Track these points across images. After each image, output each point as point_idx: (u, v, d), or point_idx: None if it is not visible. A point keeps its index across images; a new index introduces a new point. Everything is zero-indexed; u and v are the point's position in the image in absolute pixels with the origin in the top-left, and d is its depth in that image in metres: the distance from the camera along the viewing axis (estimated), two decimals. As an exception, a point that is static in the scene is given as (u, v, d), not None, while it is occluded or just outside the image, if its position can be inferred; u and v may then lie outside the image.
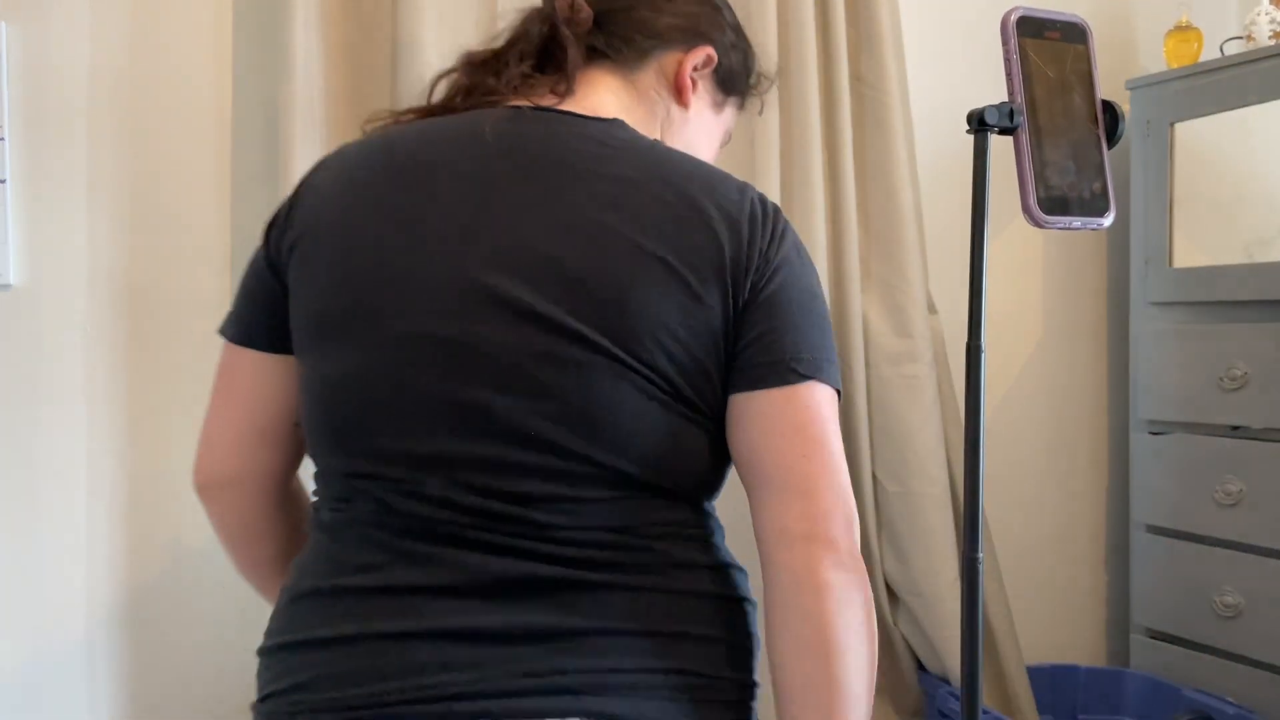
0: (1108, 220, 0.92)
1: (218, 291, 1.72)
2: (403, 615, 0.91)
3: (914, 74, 2.03)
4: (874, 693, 0.91)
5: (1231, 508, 1.96)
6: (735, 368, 0.93)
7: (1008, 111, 0.90)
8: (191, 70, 1.70)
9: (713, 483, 1.01)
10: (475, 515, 0.92)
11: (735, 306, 0.92)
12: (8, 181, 1.61)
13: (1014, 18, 0.91)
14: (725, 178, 0.98)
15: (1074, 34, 0.94)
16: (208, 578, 1.72)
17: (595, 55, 1.06)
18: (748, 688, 0.99)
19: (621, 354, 0.90)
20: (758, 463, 0.93)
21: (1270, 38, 2.06)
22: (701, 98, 1.12)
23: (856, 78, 1.96)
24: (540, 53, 1.06)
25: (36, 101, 1.63)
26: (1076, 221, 0.90)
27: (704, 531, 1.00)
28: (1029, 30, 0.92)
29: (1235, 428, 1.97)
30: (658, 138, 1.09)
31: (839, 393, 0.95)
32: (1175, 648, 2.08)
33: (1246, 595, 1.94)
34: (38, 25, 1.63)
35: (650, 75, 1.08)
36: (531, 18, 1.09)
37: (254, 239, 1.69)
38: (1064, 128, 0.91)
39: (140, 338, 1.68)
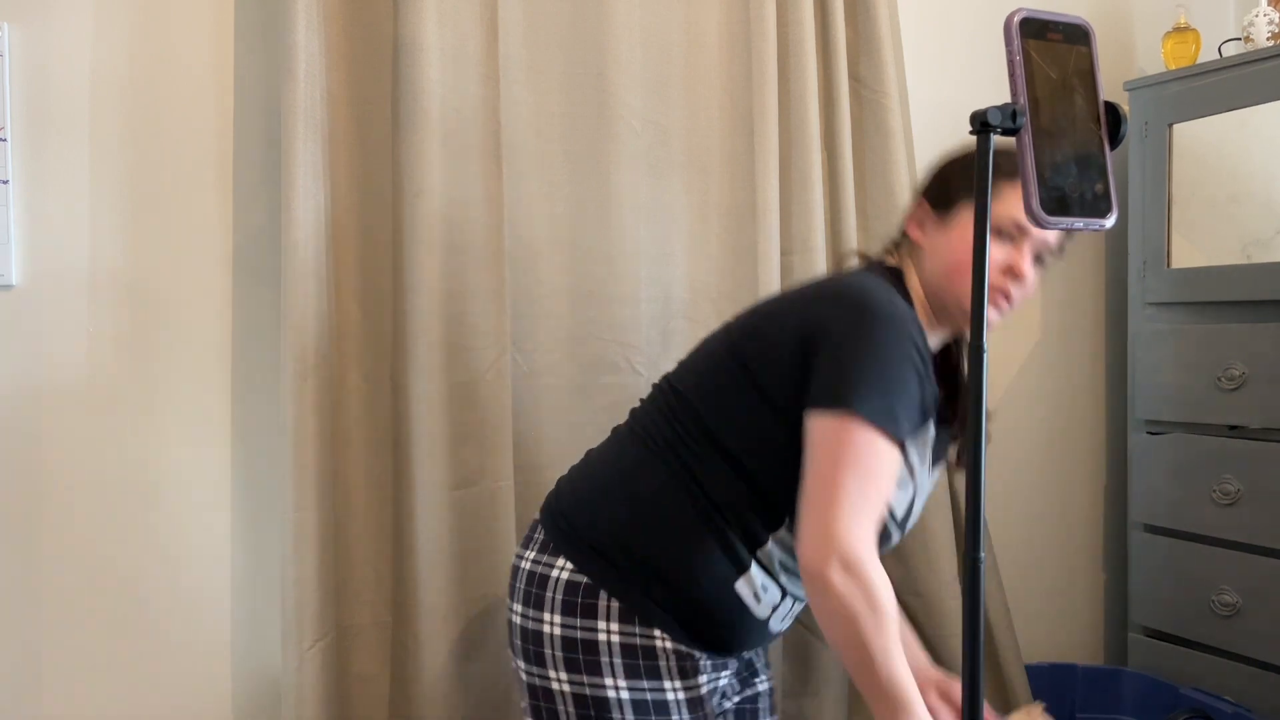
0: (1110, 221, 0.93)
1: (219, 292, 1.72)
2: None
3: (912, 75, 2.03)
4: (879, 654, 1.17)
5: (1229, 507, 1.97)
6: None
7: (1010, 112, 0.90)
8: (193, 71, 1.70)
9: None
10: None
11: None
12: (10, 182, 1.62)
13: (1017, 19, 0.91)
14: None
15: (1076, 35, 0.94)
16: (209, 577, 1.72)
17: None
18: None
19: None
20: None
21: (1268, 39, 2.07)
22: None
23: (855, 79, 1.97)
24: None
25: (38, 102, 1.63)
26: (1079, 222, 0.90)
27: None
28: (1032, 31, 0.92)
29: (1233, 427, 1.98)
30: None
31: None
32: (1173, 647, 2.09)
33: (1244, 594, 1.94)
34: (40, 26, 1.63)
35: None
36: None
37: (254, 238, 1.70)
38: (1066, 129, 0.92)
39: (141, 338, 1.68)
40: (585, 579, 1.27)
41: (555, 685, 1.27)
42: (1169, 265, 2.11)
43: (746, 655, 1.41)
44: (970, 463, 0.85)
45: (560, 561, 1.29)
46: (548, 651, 1.27)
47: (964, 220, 1.28)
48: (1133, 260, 2.18)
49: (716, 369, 1.31)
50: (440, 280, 1.67)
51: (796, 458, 1.21)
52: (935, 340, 1.37)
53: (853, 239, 1.95)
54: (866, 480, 1.17)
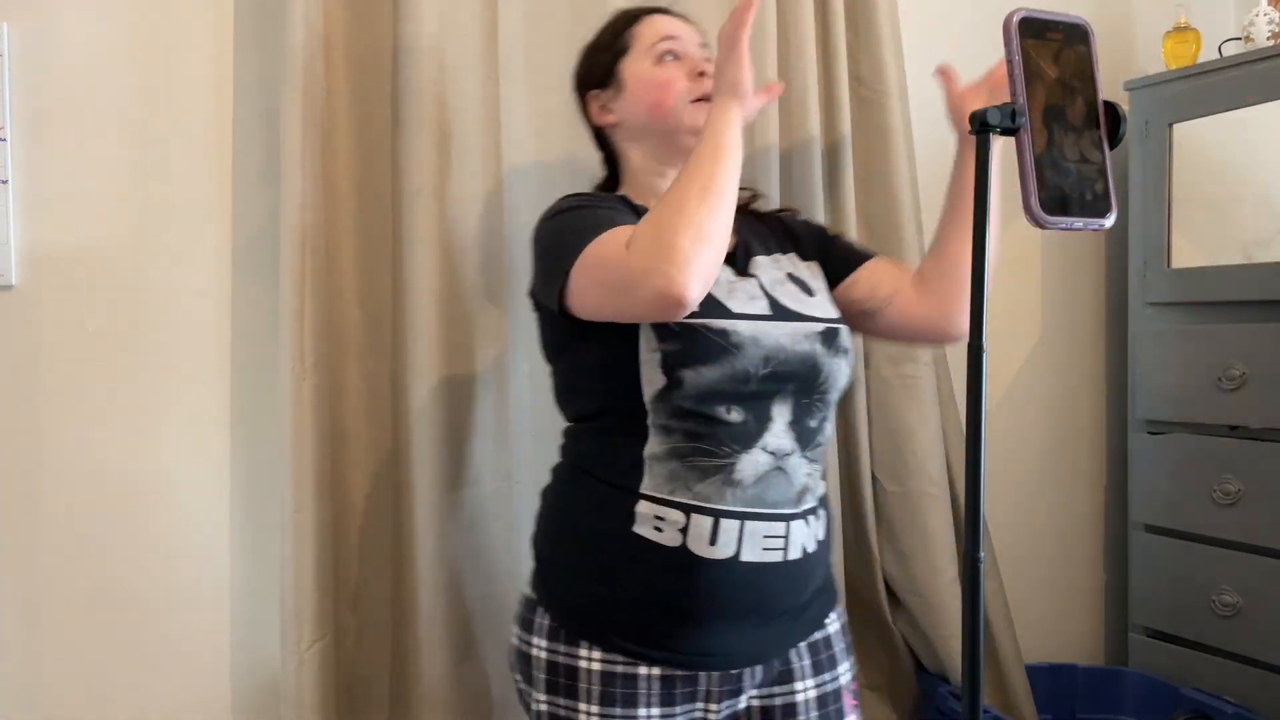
0: (1109, 221, 0.93)
1: (218, 291, 1.72)
2: None
3: (913, 75, 2.03)
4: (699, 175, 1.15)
5: (1230, 507, 1.96)
6: None
7: (1010, 112, 0.90)
8: (192, 71, 1.70)
9: None
10: None
11: None
12: (9, 182, 1.61)
13: (1016, 19, 0.91)
14: None
15: (1076, 35, 0.94)
16: (208, 577, 1.72)
17: None
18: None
19: None
20: None
21: (1268, 39, 2.07)
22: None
23: (856, 79, 1.97)
24: None
25: (38, 102, 1.63)
26: (1078, 222, 0.90)
27: None
28: (1031, 31, 0.92)
29: (1233, 427, 1.97)
30: None
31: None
32: (1173, 647, 2.08)
33: (1244, 594, 1.94)
34: (39, 26, 1.63)
35: None
36: None
37: (254, 238, 1.70)
38: (1066, 128, 0.92)
39: (140, 338, 1.68)
40: (530, 593, 1.32)
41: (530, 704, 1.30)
42: (1169, 265, 2.11)
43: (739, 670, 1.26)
44: (970, 463, 0.85)
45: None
46: (519, 668, 1.32)
47: (628, 70, 1.37)
48: (1133, 260, 2.18)
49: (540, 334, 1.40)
50: (440, 280, 1.67)
51: (590, 352, 1.25)
52: None
53: (853, 239, 1.94)
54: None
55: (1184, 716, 1.92)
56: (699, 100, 1.33)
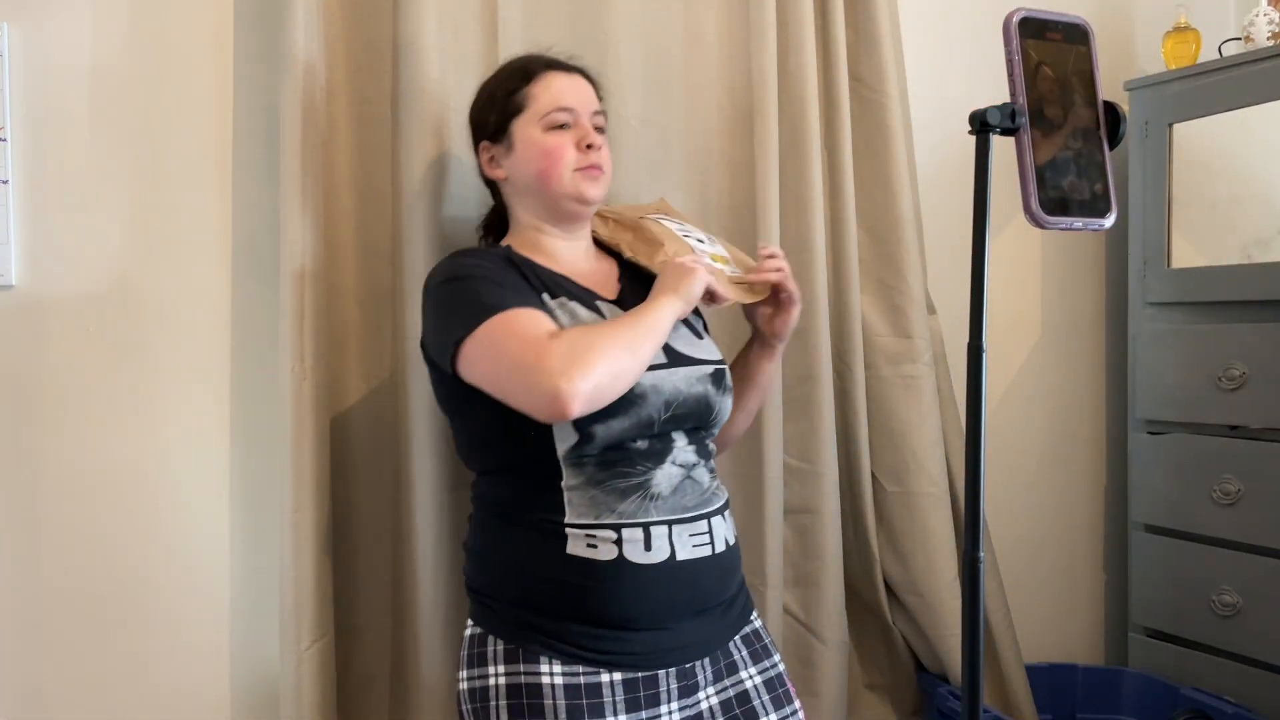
0: (1109, 221, 0.93)
1: (218, 291, 1.72)
2: None
3: (913, 75, 2.03)
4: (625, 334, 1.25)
5: (1229, 507, 1.96)
6: None
7: (1009, 112, 0.90)
8: (193, 71, 1.70)
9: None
10: None
11: None
12: (9, 182, 1.62)
13: (1016, 19, 0.91)
14: None
15: (1075, 35, 0.94)
16: (208, 577, 1.72)
17: None
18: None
19: None
20: None
21: (1268, 39, 2.07)
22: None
23: (856, 79, 1.97)
24: None
25: (38, 102, 1.63)
26: (1078, 222, 0.91)
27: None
28: (1031, 31, 0.92)
29: (1233, 427, 1.97)
30: None
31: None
32: (1173, 647, 2.08)
33: (1244, 594, 1.94)
34: (39, 26, 1.63)
35: None
36: None
37: (254, 238, 1.70)
38: (1066, 129, 0.92)
39: (140, 338, 1.68)
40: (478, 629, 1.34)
41: None
42: (1169, 265, 2.11)
43: (685, 666, 1.33)
44: (970, 463, 0.85)
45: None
46: (463, 708, 1.34)
47: (520, 133, 1.42)
48: (1133, 260, 2.18)
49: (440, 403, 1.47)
50: (440, 280, 1.67)
51: (493, 409, 1.27)
52: (578, 242, 1.48)
53: (853, 239, 1.94)
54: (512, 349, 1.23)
55: (1184, 716, 1.92)
56: (585, 169, 1.41)
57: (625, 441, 1.29)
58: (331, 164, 1.66)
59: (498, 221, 1.55)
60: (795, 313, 1.50)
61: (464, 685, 1.33)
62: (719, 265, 1.48)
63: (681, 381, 1.34)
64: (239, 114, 1.72)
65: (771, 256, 1.49)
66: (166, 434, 1.70)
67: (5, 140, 1.61)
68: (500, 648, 1.30)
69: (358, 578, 1.71)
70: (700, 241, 1.53)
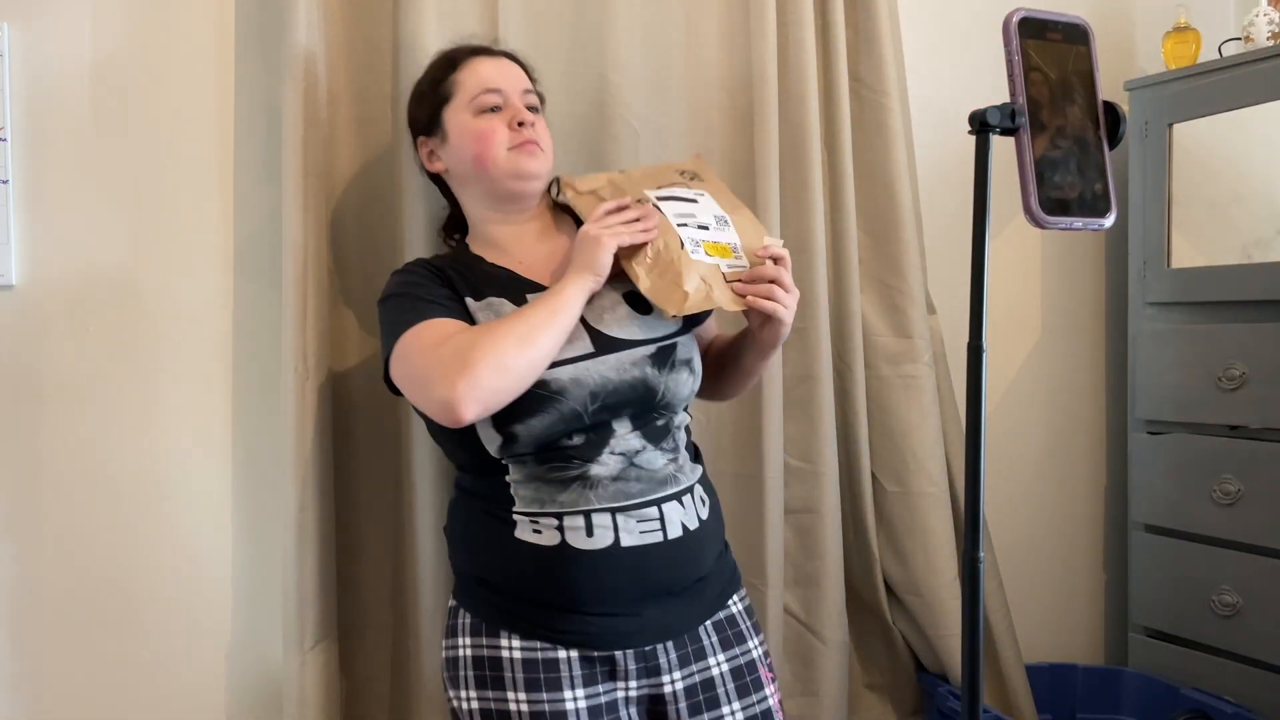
0: (1109, 221, 0.93)
1: (219, 291, 1.72)
2: None
3: (913, 75, 2.03)
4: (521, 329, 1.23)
5: (1229, 507, 1.97)
6: None
7: (1009, 112, 0.90)
8: (193, 70, 1.70)
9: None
10: None
11: None
12: (9, 182, 1.62)
13: (1016, 19, 0.92)
14: None
15: (1075, 35, 0.94)
16: (210, 578, 1.73)
17: None
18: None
19: None
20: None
21: (1268, 39, 2.07)
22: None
23: (856, 79, 1.97)
24: None
25: (38, 102, 1.63)
26: (1078, 222, 0.91)
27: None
28: (1031, 31, 0.92)
29: (1233, 427, 1.98)
30: None
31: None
32: (1173, 647, 2.09)
33: (1244, 594, 1.94)
34: (39, 25, 1.63)
35: None
36: None
37: (254, 238, 1.70)
38: (1065, 128, 0.92)
39: (141, 338, 1.68)
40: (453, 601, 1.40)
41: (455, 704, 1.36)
42: (1169, 265, 2.11)
43: (646, 648, 1.34)
44: (970, 463, 0.85)
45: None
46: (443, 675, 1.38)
47: (451, 121, 1.42)
48: (1133, 260, 2.18)
49: None
50: (440, 280, 1.67)
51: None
52: (528, 224, 1.45)
53: (853, 239, 1.94)
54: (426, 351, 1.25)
55: (1184, 716, 1.92)
56: (519, 146, 1.39)
57: (557, 438, 1.28)
58: (332, 164, 1.66)
59: (456, 221, 1.54)
60: (785, 330, 1.39)
61: (443, 654, 1.38)
62: (713, 260, 1.34)
63: (610, 369, 1.29)
64: (240, 114, 1.72)
65: (773, 258, 1.36)
66: (168, 435, 1.70)
67: (5, 140, 1.62)
68: (468, 620, 1.35)
69: (359, 577, 1.71)
70: (703, 228, 1.38)
